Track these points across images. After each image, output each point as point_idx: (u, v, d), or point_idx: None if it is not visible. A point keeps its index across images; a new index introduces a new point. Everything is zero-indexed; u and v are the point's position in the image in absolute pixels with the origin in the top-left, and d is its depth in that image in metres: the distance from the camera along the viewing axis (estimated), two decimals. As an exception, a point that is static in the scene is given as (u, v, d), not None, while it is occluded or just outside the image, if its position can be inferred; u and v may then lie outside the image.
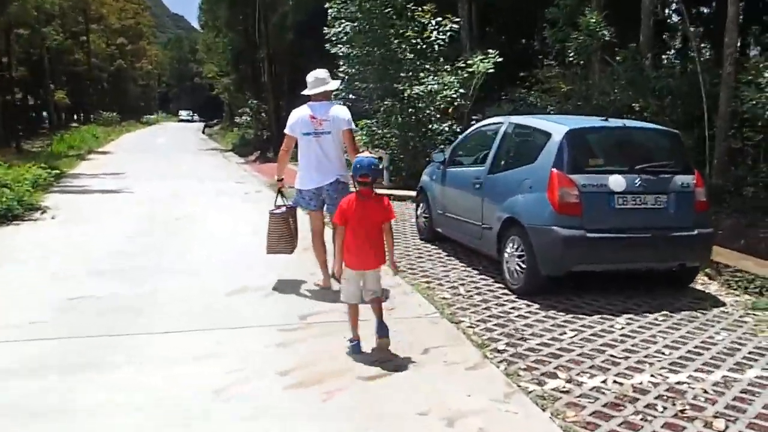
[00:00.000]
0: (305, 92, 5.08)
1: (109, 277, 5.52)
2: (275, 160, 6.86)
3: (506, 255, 5.34)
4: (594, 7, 12.37)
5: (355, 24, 13.01)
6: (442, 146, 10.90)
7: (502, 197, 5.45)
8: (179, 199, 10.76)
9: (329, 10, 13.79)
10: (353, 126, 5.04)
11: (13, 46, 28.19)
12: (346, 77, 16.66)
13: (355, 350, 3.83)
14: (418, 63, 12.27)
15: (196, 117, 77.32)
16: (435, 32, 11.95)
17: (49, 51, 34.85)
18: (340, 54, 14.19)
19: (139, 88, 73.95)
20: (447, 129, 12.47)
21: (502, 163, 5.75)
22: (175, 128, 55.44)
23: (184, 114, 79.29)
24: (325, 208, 5.08)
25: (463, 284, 5.54)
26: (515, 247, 5.22)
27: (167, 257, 6.38)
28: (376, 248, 3.84)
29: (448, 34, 12.08)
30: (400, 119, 12.47)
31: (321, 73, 5.05)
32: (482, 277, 5.79)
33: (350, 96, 17.33)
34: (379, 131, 13.02)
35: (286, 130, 5.09)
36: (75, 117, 49.39)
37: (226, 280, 5.44)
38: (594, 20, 11.20)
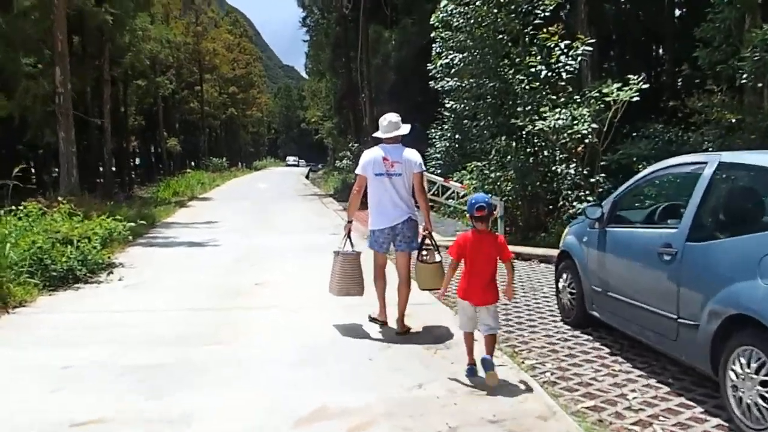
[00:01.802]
0: (377, 135, 5.17)
1: (135, 384, 4.00)
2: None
3: (733, 376, 3.28)
4: (758, 21, 10.02)
5: (465, 54, 11.46)
6: (594, 198, 8.93)
7: (718, 279, 3.42)
8: (265, 255, 9.32)
9: (434, 44, 12.48)
10: (424, 169, 5.18)
11: (130, 97, 29.52)
12: (452, 115, 15.18)
13: (470, 373, 3.94)
14: (539, 95, 10.35)
15: (302, 162, 79.68)
16: (563, 56, 10.01)
17: (165, 100, 36.53)
18: (446, 89, 12.76)
19: (250, 135, 77.34)
20: (573, 172, 10.30)
21: (713, 224, 3.73)
22: (281, 173, 56.18)
23: (290, 159, 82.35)
24: (395, 246, 5.12)
25: (654, 416, 3.51)
26: (753, 366, 3.16)
27: (223, 348, 4.75)
28: (490, 284, 3.93)
29: (579, 59, 10.12)
30: (518, 161, 10.56)
31: (393, 117, 5.13)
32: (682, 401, 3.71)
33: (456, 136, 15.76)
34: (492, 175, 11.11)
35: (357, 170, 5.13)
36: (190, 163, 51.68)
37: (297, 396, 3.77)
38: (773, 31, 8.86)
